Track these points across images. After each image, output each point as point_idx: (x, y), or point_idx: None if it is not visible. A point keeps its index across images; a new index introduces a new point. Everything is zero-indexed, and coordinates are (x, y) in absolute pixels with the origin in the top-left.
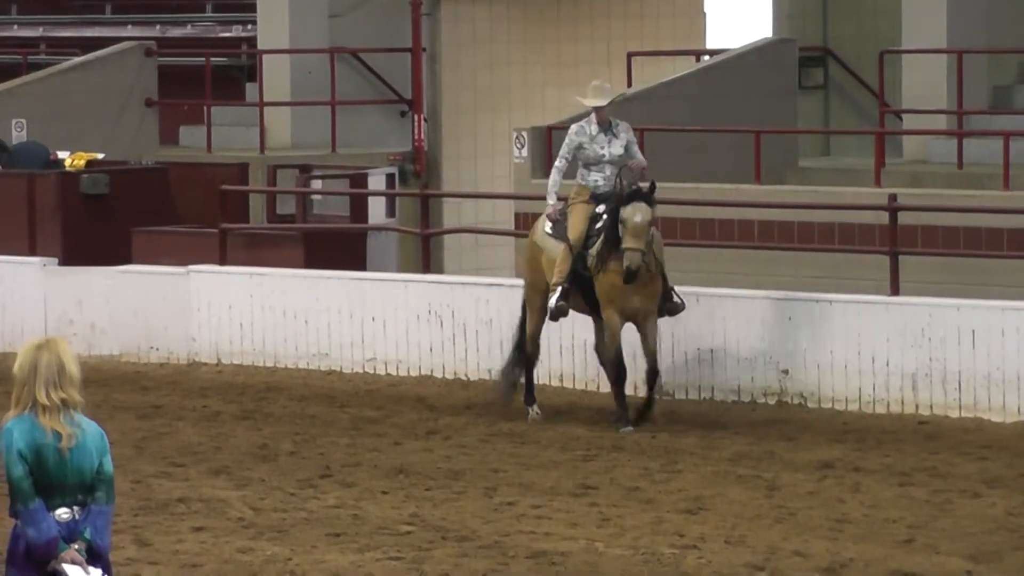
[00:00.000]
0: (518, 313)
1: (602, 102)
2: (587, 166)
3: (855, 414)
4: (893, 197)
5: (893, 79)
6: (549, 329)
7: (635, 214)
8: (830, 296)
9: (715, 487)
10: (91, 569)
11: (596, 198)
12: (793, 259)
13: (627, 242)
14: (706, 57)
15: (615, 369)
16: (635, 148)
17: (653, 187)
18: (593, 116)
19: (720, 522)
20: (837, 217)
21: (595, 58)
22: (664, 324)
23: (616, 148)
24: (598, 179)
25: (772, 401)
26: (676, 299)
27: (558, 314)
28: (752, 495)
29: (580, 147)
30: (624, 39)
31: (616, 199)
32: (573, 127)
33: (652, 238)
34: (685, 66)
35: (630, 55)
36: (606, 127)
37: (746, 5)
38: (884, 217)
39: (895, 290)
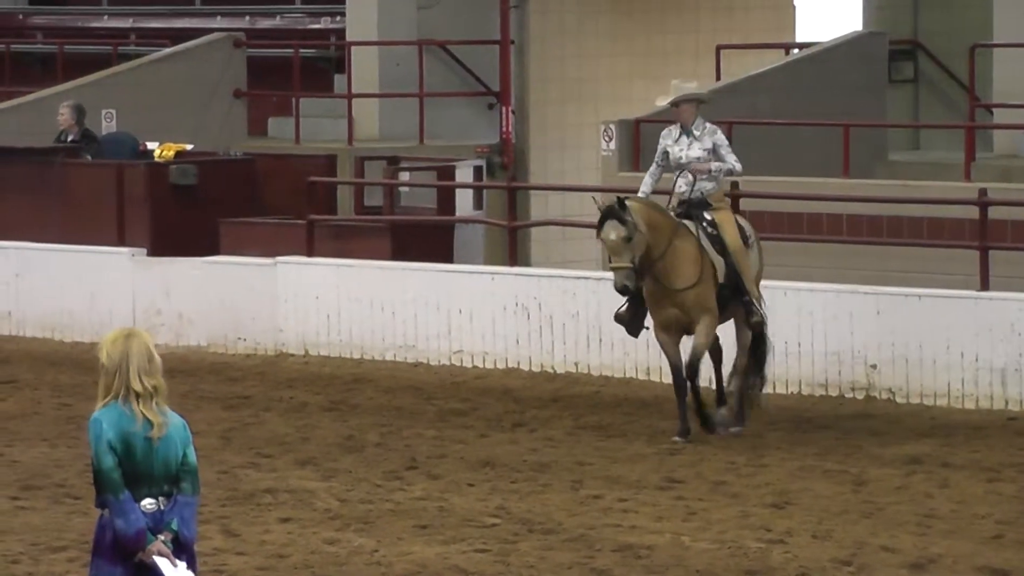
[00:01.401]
0: (604, 305)
1: (666, 102)
2: (674, 170)
3: (943, 409)
4: (983, 192)
5: (984, 73)
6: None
7: (609, 232)
8: (919, 291)
9: (802, 481)
10: (177, 561)
11: (681, 203)
12: (882, 253)
13: (611, 262)
14: (795, 50)
15: (672, 378)
16: (723, 151)
17: (622, 203)
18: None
19: (807, 516)
20: (926, 211)
21: (683, 50)
22: None
23: (695, 151)
24: (681, 184)
25: (860, 396)
26: (756, 315)
27: (618, 321)
28: (839, 490)
29: (666, 151)
30: (713, 31)
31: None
32: (664, 130)
33: (666, 250)
34: (774, 59)
35: (719, 48)
36: (688, 129)
37: None
38: (974, 212)
39: (985, 285)
